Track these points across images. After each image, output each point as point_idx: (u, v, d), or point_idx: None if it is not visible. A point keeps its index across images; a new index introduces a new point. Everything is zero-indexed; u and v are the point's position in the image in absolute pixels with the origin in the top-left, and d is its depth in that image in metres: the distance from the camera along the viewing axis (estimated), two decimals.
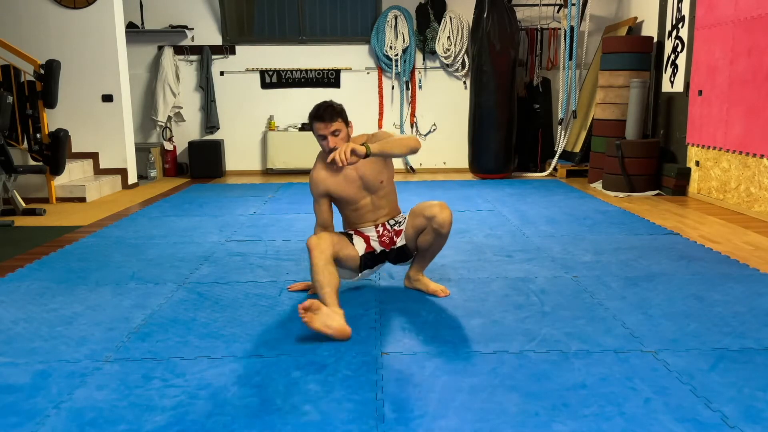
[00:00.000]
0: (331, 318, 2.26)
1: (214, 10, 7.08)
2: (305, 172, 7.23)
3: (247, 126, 7.29)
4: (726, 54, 4.91)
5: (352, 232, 2.84)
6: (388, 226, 2.85)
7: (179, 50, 7.11)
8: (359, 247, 2.76)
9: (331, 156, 2.46)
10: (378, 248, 2.83)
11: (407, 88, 7.28)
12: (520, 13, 6.95)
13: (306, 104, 7.17)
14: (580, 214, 4.68)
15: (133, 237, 4.09)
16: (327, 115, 2.60)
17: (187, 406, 1.86)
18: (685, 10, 5.54)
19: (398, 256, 2.86)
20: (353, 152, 2.43)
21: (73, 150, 6.08)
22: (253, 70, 7.20)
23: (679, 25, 5.65)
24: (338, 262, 2.62)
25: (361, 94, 7.24)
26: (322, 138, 2.64)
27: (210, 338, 2.39)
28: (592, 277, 3.13)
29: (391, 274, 3.19)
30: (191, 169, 7.07)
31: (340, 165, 2.42)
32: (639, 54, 5.88)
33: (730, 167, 4.89)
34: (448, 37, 7.04)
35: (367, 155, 2.46)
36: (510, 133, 6.67)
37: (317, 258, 2.47)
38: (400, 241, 2.84)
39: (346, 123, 2.67)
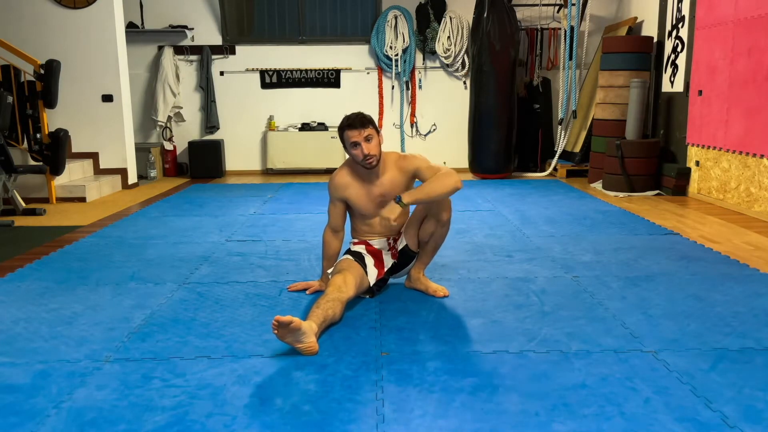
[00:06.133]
0: (305, 336, 2.19)
1: (214, 10, 7.08)
2: (305, 172, 7.23)
3: (247, 126, 7.29)
4: (726, 54, 4.91)
5: (363, 250, 2.80)
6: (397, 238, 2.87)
7: (179, 50, 7.11)
8: (372, 275, 2.74)
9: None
10: (389, 262, 2.83)
11: (407, 88, 7.28)
12: (520, 13, 6.95)
13: (306, 104, 7.25)
14: (580, 214, 4.68)
15: (133, 237, 4.09)
16: (358, 122, 2.62)
17: (187, 406, 1.86)
18: (685, 10, 5.55)
19: (400, 262, 2.86)
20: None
21: (73, 150, 6.08)
22: (253, 70, 7.20)
23: (679, 25, 5.65)
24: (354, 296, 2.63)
25: (361, 94, 7.24)
26: (354, 146, 2.63)
27: (210, 338, 2.38)
28: (592, 277, 3.13)
29: None
30: (191, 169, 7.07)
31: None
32: (639, 54, 5.88)
33: (730, 167, 4.89)
34: (448, 37, 7.04)
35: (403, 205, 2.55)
36: (510, 133, 6.67)
37: (333, 293, 2.46)
38: (400, 243, 2.84)
39: (377, 131, 2.68)
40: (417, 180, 2.77)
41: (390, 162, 2.76)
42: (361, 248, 2.81)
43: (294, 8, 7.18)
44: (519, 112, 6.90)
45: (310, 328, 2.22)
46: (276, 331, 2.15)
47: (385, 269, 2.81)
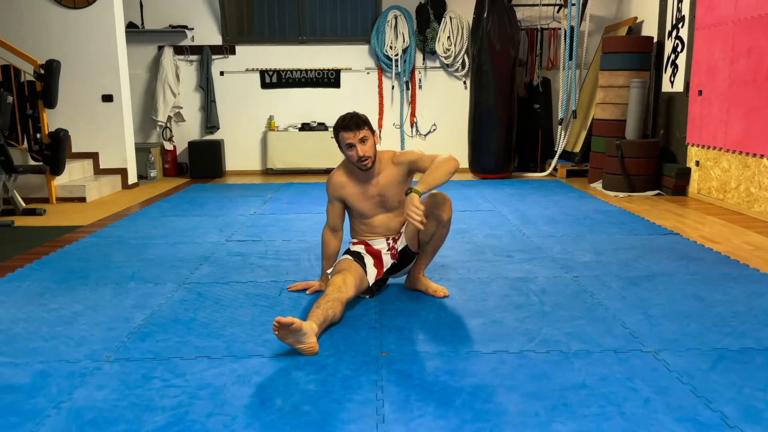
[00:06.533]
0: (306, 336, 2.19)
1: (214, 10, 7.08)
2: (305, 172, 7.23)
3: (247, 126, 7.29)
4: (726, 54, 4.91)
5: (363, 250, 2.80)
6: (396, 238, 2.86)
7: (179, 50, 7.11)
8: (371, 275, 2.73)
9: (418, 224, 2.40)
10: (388, 262, 2.82)
11: (407, 88, 7.28)
12: (520, 13, 6.96)
13: (306, 104, 7.25)
14: (580, 214, 4.68)
15: (133, 237, 4.09)
16: (353, 123, 2.60)
17: (187, 406, 1.86)
18: (685, 10, 5.55)
19: (400, 262, 2.86)
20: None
21: (73, 150, 6.08)
22: (253, 70, 7.20)
23: (679, 25, 5.65)
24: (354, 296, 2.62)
25: (361, 94, 7.25)
26: (349, 147, 2.62)
27: (210, 338, 2.39)
28: (592, 277, 3.13)
29: None
30: (191, 169, 7.07)
31: (423, 227, 2.44)
32: (639, 54, 5.88)
33: (730, 167, 4.89)
34: (448, 37, 7.04)
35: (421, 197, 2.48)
36: (510, 133, 6.67)
37: (333, 293, 2.46)
38: (400, 244, 2.84)
39: (372, 131, 2.67)
40: (415, 171, 2.76)
41: (385, 160, 2.76)
42: (360, 248, 2.81)
43: (294, 8, 7.18)
44: (519, 112, 6.90)
45: (310, 328, 2.23)
46: (277, 332, 2.15)
47: (385, 269, 2.81)
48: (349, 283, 2.55)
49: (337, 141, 2.68)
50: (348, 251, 2.82)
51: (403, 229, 2.85)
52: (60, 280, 3.14)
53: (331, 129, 7.02)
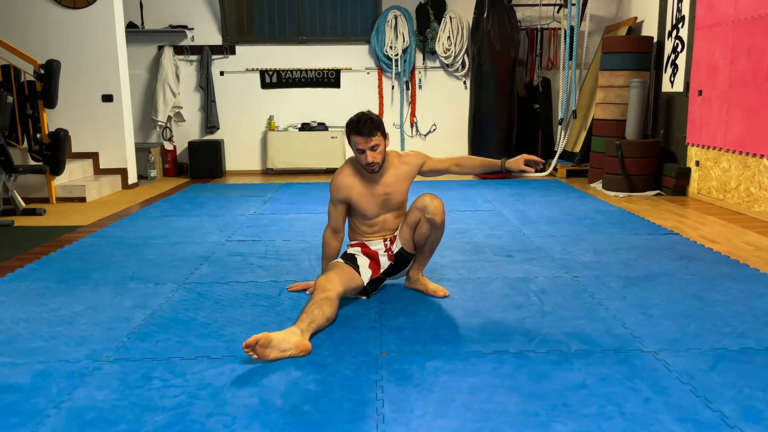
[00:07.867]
0: (286, 342, 2.16)
1: (214, 10, 7.08)
2: (305, 172, 7.23)
3: (247, 126, 7.29)
4: (726, 54, 4.91)
5: (358, 252, 2.79)
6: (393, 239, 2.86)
7: (179, 50, 7.11)
8: (365, 275, 2.73)
9: (536, 165, 2.80)
10: (385, 264, 2.82)
11: (407, 88, 7.28)
12: (520, 13, 6.96)
13: (306, 104, 7.25)
14: (580, 214, 4.68)
15: (133, 237, 4.09)
16: (366, 129, 2.57)
17: (187, 406, 1.86)
18: (685, 10, 5.55)
19: (397, 264, 2.86)
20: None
21: (73, 150, 6.08)
22: (253, 70, 7.20)
23: (679, 25, 5.65)
24: (344, 292, 2.61)
25: (361, 94, 7.24)
26: (360, 152, 2.62)
27: (210, 338, 2.39)
28: (592, 277, 3.13)
29: None
30: (191, 169, 7.07)
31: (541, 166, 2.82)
32: (639, 54, 5.88)
33: (730, 167, 4.89)
34: (448, 37, 7.04)
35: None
36: (510, 133, 6.67)
37: (318, 295, 2.46)
38: (396, 246, 2.84)
39: (384, 136, 2.66)
40: (425, 171, 2.88)
41: (391, 159, 2.78)
42: (356, 250, 2.81)
43: (294, 8, 7.18)
44: (519, 112, 6.90)
45: (289, 332, 2.21)
46: (255, 356, 2.11)
47: (382, 270, 2.81)
48: (334, 280, 2.55)
49: (348, 140, 2.68)
50: (344, 254, 2.82)
51: (397, 232, 2.85)
52: (60, 280, 3.14)
53: (331, 129, 7.06)
